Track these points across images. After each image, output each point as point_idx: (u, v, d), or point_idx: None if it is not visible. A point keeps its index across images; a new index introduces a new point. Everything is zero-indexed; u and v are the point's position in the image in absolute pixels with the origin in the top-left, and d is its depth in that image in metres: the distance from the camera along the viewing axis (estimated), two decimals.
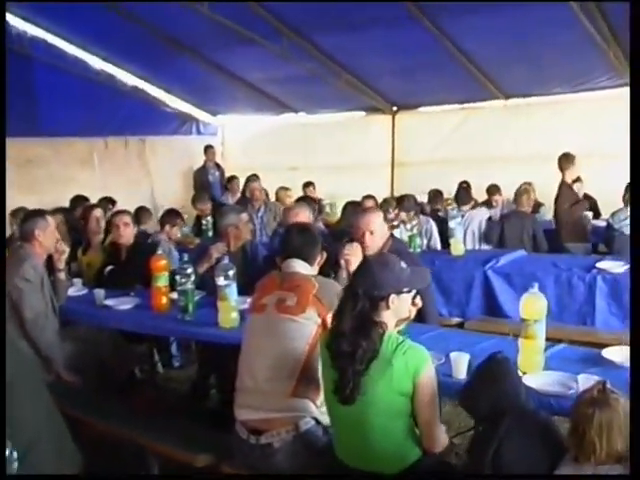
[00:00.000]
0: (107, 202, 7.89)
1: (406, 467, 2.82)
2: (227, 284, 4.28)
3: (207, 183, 11.50)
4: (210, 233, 8.03)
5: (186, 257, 4.70)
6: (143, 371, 5.84)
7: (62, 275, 5.05)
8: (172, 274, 4.72)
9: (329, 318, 3.13)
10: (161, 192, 11.42)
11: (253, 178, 9.25)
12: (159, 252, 5.14)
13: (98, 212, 6.53)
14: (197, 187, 11.38)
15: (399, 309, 2.90)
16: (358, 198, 9.00)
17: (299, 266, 3.55)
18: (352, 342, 2.76)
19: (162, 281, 4.81)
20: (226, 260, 4.36)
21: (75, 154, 10.58)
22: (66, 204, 8.07)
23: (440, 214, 8.19)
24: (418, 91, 10.47)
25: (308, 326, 3.29)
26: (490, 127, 10.29)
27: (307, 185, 10.31)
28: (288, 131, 12.08)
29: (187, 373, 6.08)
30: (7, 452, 2.05)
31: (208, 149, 11.81)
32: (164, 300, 4.85)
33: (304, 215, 5.58)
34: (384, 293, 2.83)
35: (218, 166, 11.93)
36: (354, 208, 6.94)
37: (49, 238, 4.86)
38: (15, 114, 9.23)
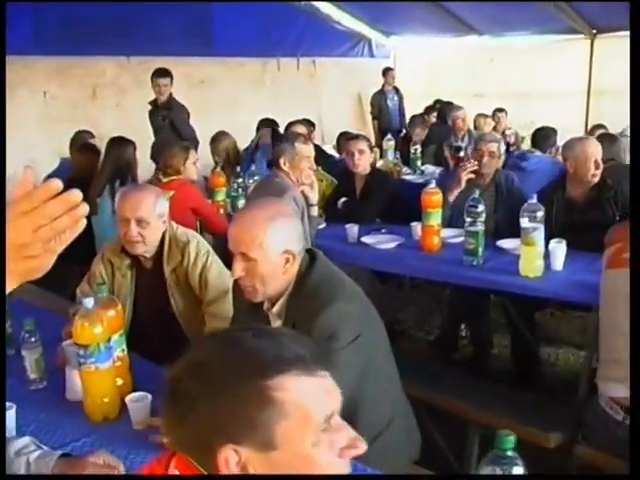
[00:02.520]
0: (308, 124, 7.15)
1: None
2: (534, 227, 3.62)
3: (386, 108, 10.71)
4: (418, 162, 7.18)
5: (477, 193, 3.90)
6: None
7: (314, 210, 4.39)
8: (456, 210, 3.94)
9: None
10: (329, 116, 10.67)
11: (456, 106, 8.30)
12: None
13: None
14: (374, 112, 10.75)
15: None
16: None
17: None
18: None
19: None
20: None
21: (247, 75, 9.99)
22: (238, 126, 7.52)
23: None
24: (623, 12, 9.21)
25: None
26: None
27: (499, 111, 9.30)
28: (471, 55, 11.07)
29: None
30: None
31: (387, 72, 10.87)
32: (436, 240, 4.16)
33: None
34: None
35: (397, 90, 10.97)
36: None
37: (297, 167, 4.17)
38: (191, 34, 8.85)
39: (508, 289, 3.77)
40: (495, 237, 4.28)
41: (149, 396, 2.28)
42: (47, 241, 1.06)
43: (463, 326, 4.96)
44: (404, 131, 9.61)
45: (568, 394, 3.72)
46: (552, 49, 10.44)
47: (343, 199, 5.10)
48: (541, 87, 10.24)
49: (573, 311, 4.86)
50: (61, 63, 8.03)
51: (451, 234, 4.36)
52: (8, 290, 1.13)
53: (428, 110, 9.75)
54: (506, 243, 4.13)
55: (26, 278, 1.12)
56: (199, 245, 3.08)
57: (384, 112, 10.68)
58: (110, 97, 8.05)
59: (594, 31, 9.98)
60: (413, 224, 4.48)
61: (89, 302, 2.25)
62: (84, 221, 1.08)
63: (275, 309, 2.32)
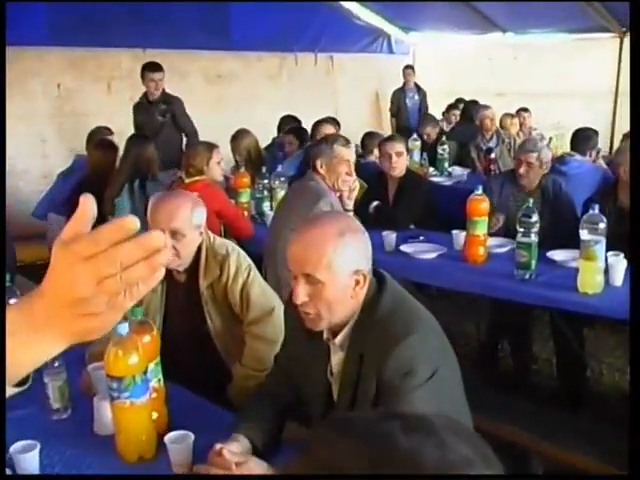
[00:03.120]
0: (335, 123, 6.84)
1: None
2: (596, 240, 3.35)
3: (404, 106, 10.33)
4: (446, 164, 6.87)
5: (531, 202, 3.61)
6: None
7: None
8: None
9: None
10: (345, 113, 10.32)
11: (483, 105, 7.98)
12: None
13: None
14: (393, 110, 10.42)
15: None
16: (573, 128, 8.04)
17: None
18: None
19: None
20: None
21: (264, 69, 9.69)
22: (254, 122, 7.21)
23: None
24: None
25: None
26: None
27: (524, 111, 8.95)
28: (494, 52, 10.74)
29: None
30: None
31: (407, 69, 10.46)
32: (481, 251, 3.89)
33: None
34: None
35: (419, 89, 10.58)
36: None
37: (334, 171, 3.86)
38: (208, 27, 8.56)
39: (565, 306, 3.48)
40: (540, 246, 3.99)
41: (191, 435, 2.00)
42: (114, 295, 0.80)
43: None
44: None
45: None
46: (578, 47, 10.11)
47: (375, 203, 4.80)
48: (566, 87, 9.88)
49: (619, 326, 4.56)
50: (76, 55, 7.75)
51: (495, 243, 4.09)
52: (53, 353, 0.87)
53: (450, 108, 9.46)
54: (557, 255, 3.85)
55: (81, 339, 0.85)
56: (239, 258, 2.79)
57: (402, 110, 10.34)
58: (125, 91, 7.74)
59: (624, 29, 9.64)
60: (455, 232, 4.19)
61: (123, 328, 1.97)
62: (163, 271, 0.81)
63: (338, 339, 2.03)
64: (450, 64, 11.13)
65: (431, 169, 6.87)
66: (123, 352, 1.94)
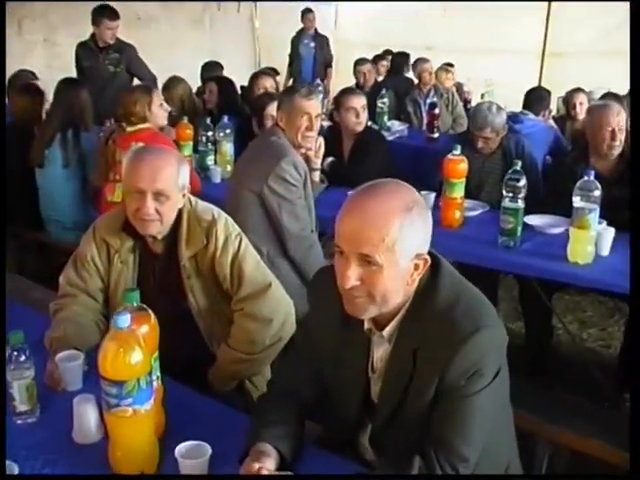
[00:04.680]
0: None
1: None
2: (590, 208, 3.14)
3: (297, 55, 9.62)
4: (385, 117, 6.53)
5: (519, 165, 3.36)
6: None
7: (317, 176, 3.77)
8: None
9: None
10: (267, 62, 9.90)
11: (422, 58, 7.66)
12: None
13: None
14: (290, 58, 9.73)
15: None
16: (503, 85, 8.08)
17: None
18: None
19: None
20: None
21: (187, 14, 9.05)
22: (176, 69, 6.69)
23: None
24: None
25: None
26: None
27: (449, 66, 8.65)
28: (422, 5, 10.42)
29: None
30: None
31: (305, 14, 9.57)
32: (458, 215, 3.66)
33: None
34: None
35: (316, 36, 9.67)
36: None
37: (293, 126, 3.48)
38: None
39: (557, 277, 3.26)
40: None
41: (208, 449, 1.68)
42: None
43: None
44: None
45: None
46: (509, 6, 9.93)
47: (330, 159, 4.46)
48: (495, 44, 9.73)
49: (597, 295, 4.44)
50: None
51: (466, 206, 3.83)
52: None
53: (377, 59, 9.03)
54: (533, 220, 3.61)
55: None
56: (228, 225, 2.41)
57: (296, 59, 9.63)
58: (37, 32, 7.06)
59: None
60: (423, 193, 3.89)
61: (124, 320, 1.59)
62: None
63: (387, 331, 1.71)
64: (376, 16, 10.77)
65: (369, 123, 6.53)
66: (125, 350, 1.57)
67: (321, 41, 9.69)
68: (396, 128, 6.57)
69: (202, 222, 2.37)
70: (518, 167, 3.34)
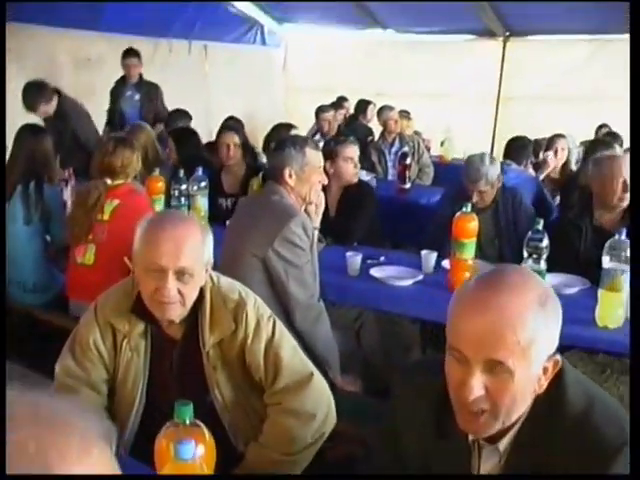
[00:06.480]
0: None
1: None
2: (622, 269, 2.91)
3: (116, 111, 7.23)
4: None
5: (541, 224, 3.13)
6: None
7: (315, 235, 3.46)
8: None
9: None
10: (218, 105, 9.59)
11: (388, 106, 7.41)
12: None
13: None
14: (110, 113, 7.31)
15: None
16: (456, 131, 8.00)
17: None
18: None
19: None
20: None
21: None
22: None
23: None
24: (539, 14, 8.76)
25: None
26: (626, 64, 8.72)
27: (405, 113, 8.47)
28: (373, 49, 10.33)
29: None
30: None
31: (127, 56, 7.19)
32: (467, 276, 3.35)
33: None
34: None
35: (141, 85, 7.30)
36: None
37: (307, 181, 3.19)
38: (79, 6, 7.55)
39: (591, 345, 3.04)
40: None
41: None
42: None
43: None
44: None
45: None
46: (462, 49, 9.93)
47: None
48: (448, 89, 9.66)
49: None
50: None
51: None
52: None
53: (336, 107, 8.79)
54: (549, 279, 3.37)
55: None
56: (258, 306, 2.07)
57: (116, 116, 7.19)
58: None
59: (507, 33, 9.53)
60: (424, 253, 3.66)
61: (187, 450, 1.25)
62: None
63: (503, 443, 1.41)
64: (325, 59, 10.59)
65: None
66: None
67: (148, 91, 7.29)
68: (364, 177, 6.33)
69: (229, 302, 2.03)
70: (540, 226, 3.12)
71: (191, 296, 1.96)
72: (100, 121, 6.71)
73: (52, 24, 7.12)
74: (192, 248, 1.92)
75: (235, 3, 9.94)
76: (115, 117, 7.06)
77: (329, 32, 10.66)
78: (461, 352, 1.34)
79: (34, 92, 5.75)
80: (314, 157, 3.16)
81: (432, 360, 1.66)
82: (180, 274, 1.91)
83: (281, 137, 4.57)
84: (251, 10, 10.24)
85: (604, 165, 3.68)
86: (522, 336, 1.30)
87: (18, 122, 4.26)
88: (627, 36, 8.58)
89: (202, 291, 2.01)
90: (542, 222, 3.15)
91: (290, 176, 3.12)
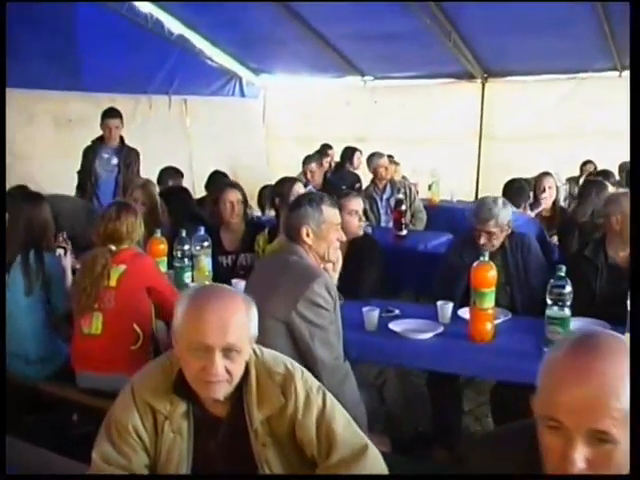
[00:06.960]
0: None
1: None
2: None
3: (89, 173, 6.58)
4: None
5: (563, 270, 3.06)
6: None
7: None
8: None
9: None
10: (200, 159, 9.55)
11: (377, 153, 7.38)
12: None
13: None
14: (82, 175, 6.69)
15: None
16: (440, 173, 8.03)
17: None
18: None
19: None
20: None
21: None
22: None
23: None
24: (517, 55, 8.86)
25: None
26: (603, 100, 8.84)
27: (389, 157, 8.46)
28: (352, 96, 10.40)
29: None
30: None
31: (107, 118, 6.64)
32: (489, 327, 3.31)
33: None
34: None
35: (121, 149, 6.69)
36: None
37: (325, 239, 3.12)
38: (57, 66, 7.52)
39: None
40: (514, 311, 3.72)
41: None
42: None
43: None
44: None
45: None
46: (440, 92, 10.00)
47: None
48: (429, 132, 9.75)
49: None
50: None
51: None
52: None
53: (321, 154, 8.75)
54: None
55: None
56: (306, 377, 1.97)
57: (89, 180, 6.61)
58: None
59: (485, 75, 9.63)
60: (440, 304, 3.58)
61: None
62: None
63: None
64: (304, 108, 10.64)
65: None
66: None
67: (128, 157, 6.64)
68: None
69: (275, 376, 1.93)
70: (562, 272, 3.06)
71: (238, 373, 1.86)
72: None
73: (30, 87, 7.09)
74: (239, 324, 1.83)
75: (214, 56, 9.98)
76: (87, 179, 6.55)
77: (307, 81, 10.70)
78: (562, 423, 1.27)
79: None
80: (331, 214, 3.10)
81: (508, 430, 1.59)
82: (227, 351, 1.81)
83: (284, 191, 4.52)
84: (229, 62, 10.28)
85: (622, 202, 3.67)
86: (625, 403, 1.25)
87: None
88: (606, 73, 8.77)
89: (247, 366, 1.91)
90: (564, 268, 3.08)
91: (308, 235, 3.04)
